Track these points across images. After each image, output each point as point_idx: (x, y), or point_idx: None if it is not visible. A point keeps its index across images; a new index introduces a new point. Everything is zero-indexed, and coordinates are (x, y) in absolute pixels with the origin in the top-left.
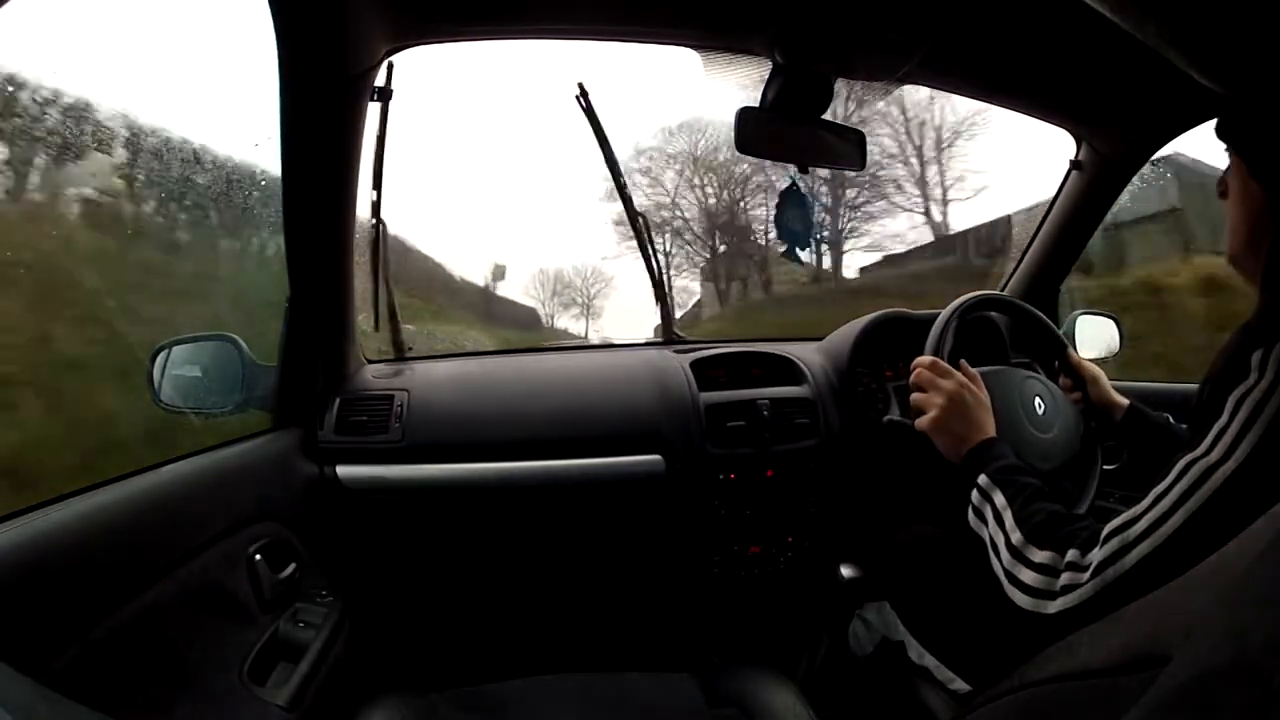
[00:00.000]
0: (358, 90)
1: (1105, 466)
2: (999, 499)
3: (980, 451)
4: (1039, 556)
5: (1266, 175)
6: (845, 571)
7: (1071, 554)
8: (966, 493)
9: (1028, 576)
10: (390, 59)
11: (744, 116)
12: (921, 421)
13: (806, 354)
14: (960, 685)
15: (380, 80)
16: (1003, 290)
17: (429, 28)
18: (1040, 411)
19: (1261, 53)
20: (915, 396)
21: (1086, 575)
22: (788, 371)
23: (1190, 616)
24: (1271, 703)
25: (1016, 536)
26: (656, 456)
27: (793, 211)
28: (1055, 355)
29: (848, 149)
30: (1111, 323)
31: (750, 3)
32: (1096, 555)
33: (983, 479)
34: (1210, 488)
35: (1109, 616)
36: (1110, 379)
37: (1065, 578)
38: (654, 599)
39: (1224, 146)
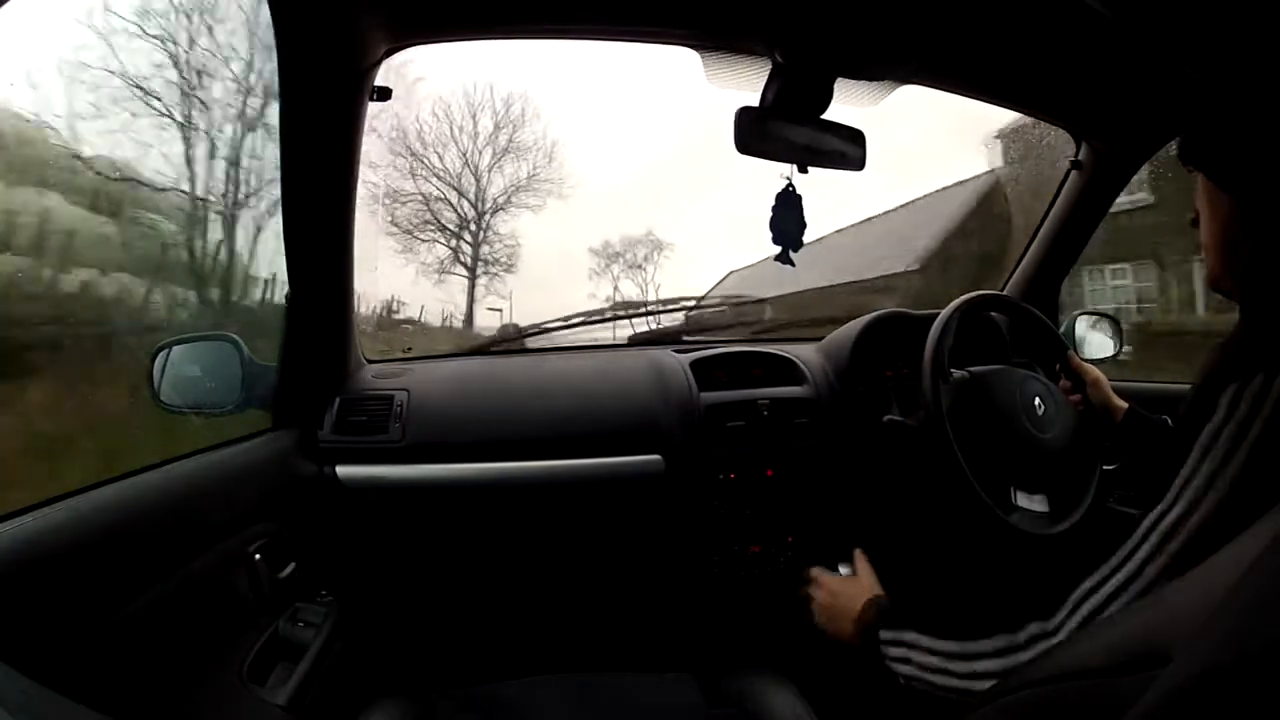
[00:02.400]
0: (358, 89)
1: (1105, 466)
2: (908, 635)
3: (869, 620)
4: (989, 645)
5: (1235, 183)
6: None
7: (1032, 627)
8: (879, 657)
9: (988, 665)
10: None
11: (743, 116)
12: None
13: (806, 354)
14: None
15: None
16: (1003, 290)
17: (429, 27)
18: (1040, 412)
19: (1260, 52)
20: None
21: (1056, 640)
22: (788, 371)
23: (1190, 616)
24: (1271, 703)
25: (950, 647)
26: (656, 456)
27: (787, 213)
28: (1056, 357)
29: (848, 149)
30: (1111, 323)
31: (750, 3)
32: (1067, 621)
33: (884, 633)
34: (1182, 540)
35: (1109, 616)
36: (1110, 379)
37: (1038, 648)
38: (654, 599)
39: (1189, 170)
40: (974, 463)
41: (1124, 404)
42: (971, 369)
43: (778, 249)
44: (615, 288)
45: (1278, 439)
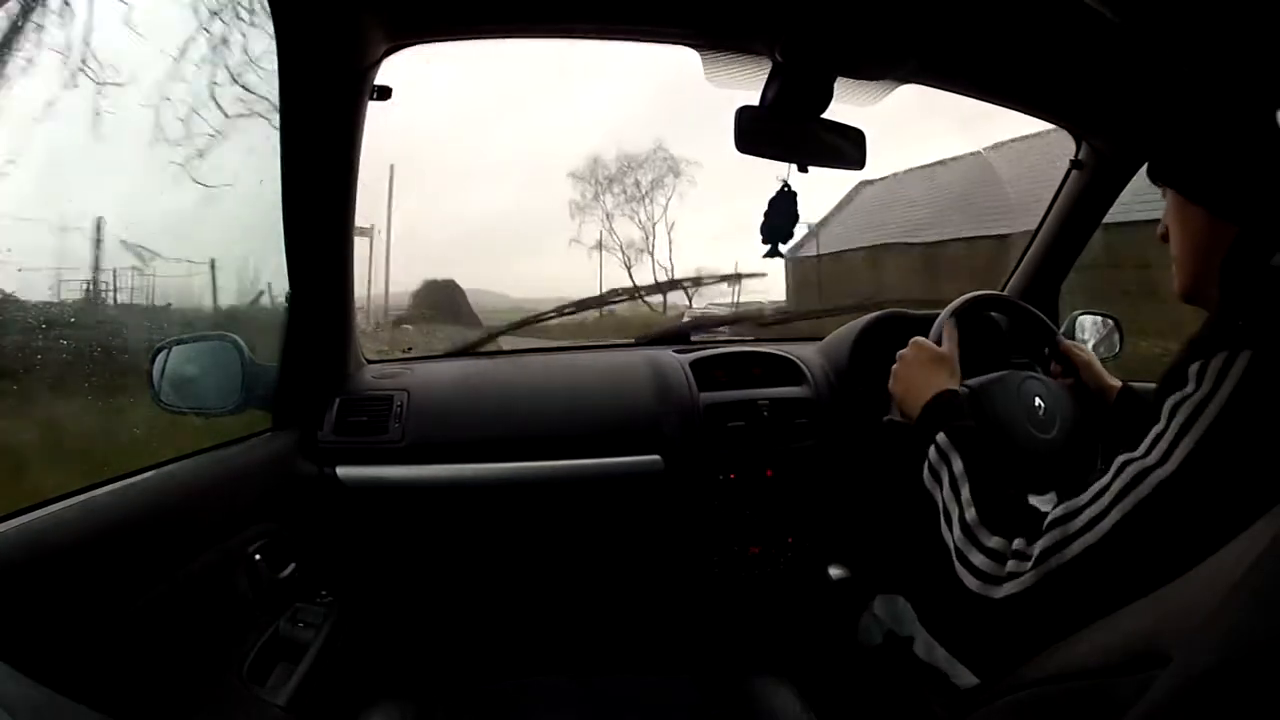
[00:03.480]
0: (358, 88)
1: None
2: (957, 465)
3: (937, 406)
4: (990, 541)
5: (1205, 193)
6: (833, 572)
7: (1017, 542)
8: (924, 447)
9: (978, 560)
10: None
11: (743, 116)
12: (891, 388)
13: (806, 354)
14: (967, 679)
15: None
16: (1003, 290)
17: (429, 26)
18: (1041, 411)
19: (1261, 51)
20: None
21: (1029, 564)
22: (788, 371)
23: (1190, 616)
24: (1271, 703)
25: (971, 514)
26: (656, 456)
27: (780, 210)
28: (1045, 343)
29: (848, 148)
30: (1111, 323)
31: (750, 2)
32: (1039, 545)
33: (941, 438)
34: (1145, 489)
35: (1109, 616)
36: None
37: (1010, 564)
38: (654, 599)
39: (1158, 188)
40: None
41: (1117, 383)
42: (969, 383)
43: (766, 246)
44: (608, 226)
45: (1239, 411)
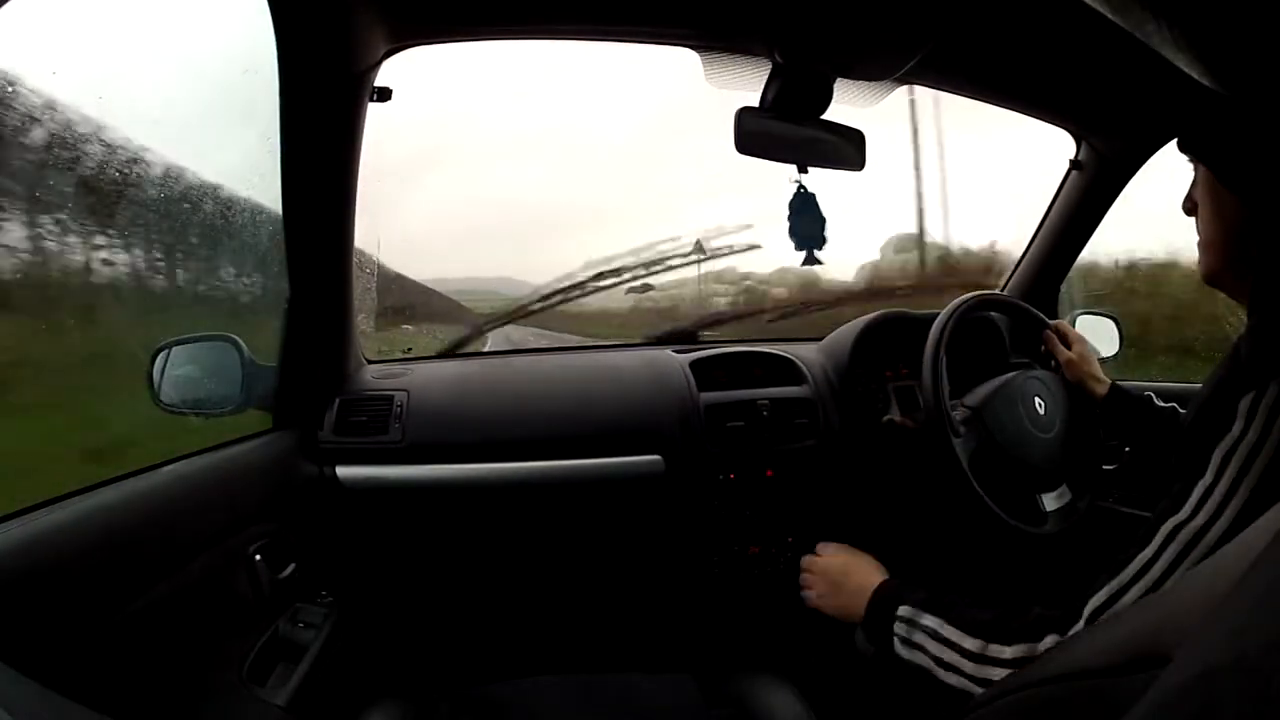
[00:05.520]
0: (358, 90)
1: (1105, 466)
2: (928, 621)
3: (884, 597)
4: (1009, 652)
5: (1241, 183)
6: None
7: (1049, 639)
8: (886, 636)
9: (1002, 674)
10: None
11: (743, 116)
12: (812, 602)
13: (806, 354)
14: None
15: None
16: (1003, 290)
17: (429, 27)
18: (1042, 411)
19: (1264, 53)
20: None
21: None
22: (788, 371)
23: (1190, 616)
24: (1271, 703)
25: (971, 643)
26: (656, 456)
27: (805, 215)
28: (1037, 336)
29: (848, 149)
30: (1111, 323)
31: (750, 3)
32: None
33: (904, 610)
34: (1202, 552)
35: (1109, 616)
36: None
37: None
38: (654, 599)
39: (1188, 159)
40: (1000, 498)
41: (1105, 380)
42: (968, 402)
43: (801, 253)
44: None
45: None
